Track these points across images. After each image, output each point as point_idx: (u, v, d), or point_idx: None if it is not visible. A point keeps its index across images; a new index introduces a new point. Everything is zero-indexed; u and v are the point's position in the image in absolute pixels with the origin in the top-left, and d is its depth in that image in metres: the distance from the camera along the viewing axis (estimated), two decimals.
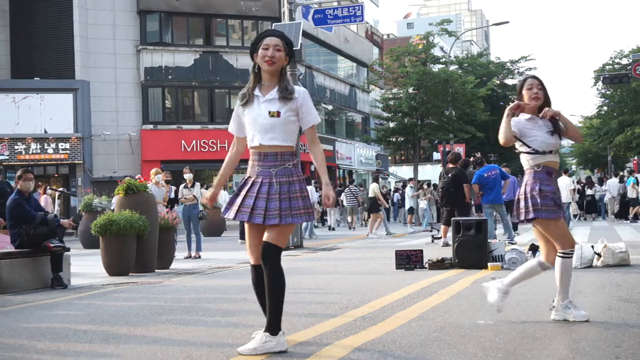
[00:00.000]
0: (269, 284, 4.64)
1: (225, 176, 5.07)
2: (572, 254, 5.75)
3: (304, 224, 21.03)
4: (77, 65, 32.94)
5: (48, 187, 20.30)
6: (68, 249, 9.75)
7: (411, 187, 29.03)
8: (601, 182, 34.15)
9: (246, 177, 4.81)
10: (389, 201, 34.74)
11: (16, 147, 31.63)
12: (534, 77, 6.09)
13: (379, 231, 21.97)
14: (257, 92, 4.81)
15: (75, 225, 14.67)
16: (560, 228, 5.70)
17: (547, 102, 5.90)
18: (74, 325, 6.20)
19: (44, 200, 19.09)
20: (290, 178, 4.73)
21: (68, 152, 32.16)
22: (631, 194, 27.65)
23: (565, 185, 22.59)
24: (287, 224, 4.66)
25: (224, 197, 26.74)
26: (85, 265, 13.09)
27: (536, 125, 5.82)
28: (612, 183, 31.35)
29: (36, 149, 31.93)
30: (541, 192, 5.71)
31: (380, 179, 26.41)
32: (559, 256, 5.68)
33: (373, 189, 21.98)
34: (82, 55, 33.12)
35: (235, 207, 4.75)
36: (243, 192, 4.75)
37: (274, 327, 4.64)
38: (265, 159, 4.74)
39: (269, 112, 4.71)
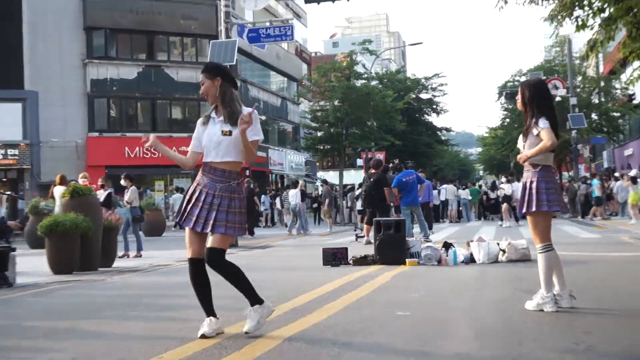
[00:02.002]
0: (229, 277, 4.87)
1: (173, 155, 5.07)
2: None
3: (297, 222, 23.20)
4: (26, 76, 32.16)
5: None
6: (14, 249, 9.39)
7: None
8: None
9: (195, 185, 4.92)
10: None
11: None
12: (521, 83, 5.96)
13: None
14: (213, 114, 4.98)
15: (22, 227, 14.20)
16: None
17: (527, 105, 5.74)
18: (19, 322, 5.95)
19: None
20: (232, 195, 4.86)
21: (17, 157, 31.38)
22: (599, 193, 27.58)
23: (451, 190, 23.17)
24: (218, 233, 4.79)
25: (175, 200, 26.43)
26: (31, 264, 12.65)
27: None
28: (517, 187, 31.96)
29: None
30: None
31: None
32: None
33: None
34: (31, 67, 32.32)
35: (184, 215, 4.86)
36: (192, 200, 4.85)
37: (256, 300, 4.88)
38: (215, 173, 4.87)
39: (222, 132, 4.86)
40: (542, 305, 5.63)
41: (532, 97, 5.73)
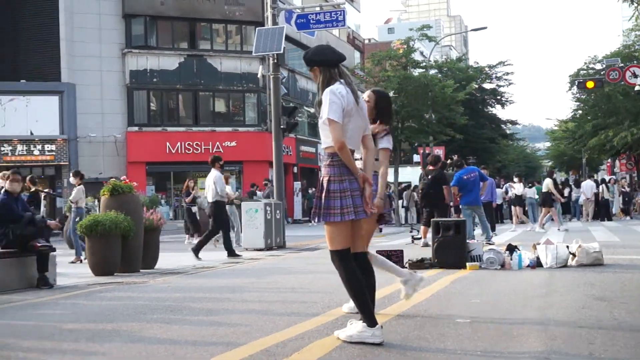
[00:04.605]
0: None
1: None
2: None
3: None
4: (63, 68, 32.76)
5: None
6: (54, 249, 9.69)
7: None
8: (577, 184, 34.38)
9: (345, 178, 5.02)
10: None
11: (2, 148, 31.42)
12: (371, 90, 6.35)
13: (548, 224, 22.71)
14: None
15: (62, 227, 14.55)
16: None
17: (378, 115, 6.13)
18: (60, 324, 6.17)
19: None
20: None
21: (54, 153, 32.02)
22: None
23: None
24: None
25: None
26: (71, 265, 13.04)
27: None
28: (587, 185, 31.58)
29: (22, 150, 31.73)
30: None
31: (554, 175, 26.92)
32: None
33: (547, 184, 22.21)
34: (68, 58, 32.95)
35: (353, 209, 4.92)
36: (357, 193, 4.96)
37: (366, 319, 4.83)
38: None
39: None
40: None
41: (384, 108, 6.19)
